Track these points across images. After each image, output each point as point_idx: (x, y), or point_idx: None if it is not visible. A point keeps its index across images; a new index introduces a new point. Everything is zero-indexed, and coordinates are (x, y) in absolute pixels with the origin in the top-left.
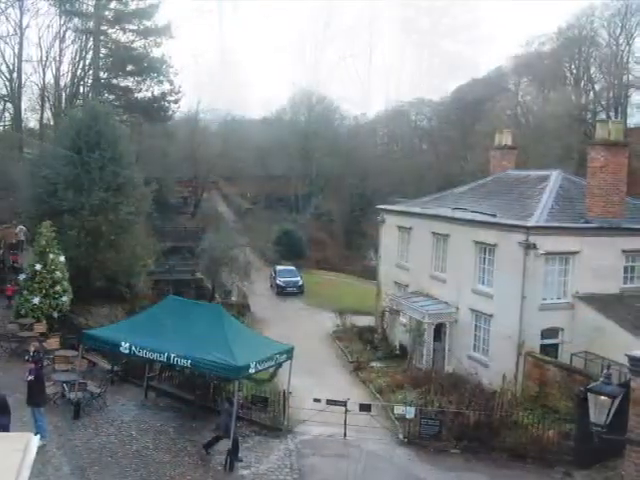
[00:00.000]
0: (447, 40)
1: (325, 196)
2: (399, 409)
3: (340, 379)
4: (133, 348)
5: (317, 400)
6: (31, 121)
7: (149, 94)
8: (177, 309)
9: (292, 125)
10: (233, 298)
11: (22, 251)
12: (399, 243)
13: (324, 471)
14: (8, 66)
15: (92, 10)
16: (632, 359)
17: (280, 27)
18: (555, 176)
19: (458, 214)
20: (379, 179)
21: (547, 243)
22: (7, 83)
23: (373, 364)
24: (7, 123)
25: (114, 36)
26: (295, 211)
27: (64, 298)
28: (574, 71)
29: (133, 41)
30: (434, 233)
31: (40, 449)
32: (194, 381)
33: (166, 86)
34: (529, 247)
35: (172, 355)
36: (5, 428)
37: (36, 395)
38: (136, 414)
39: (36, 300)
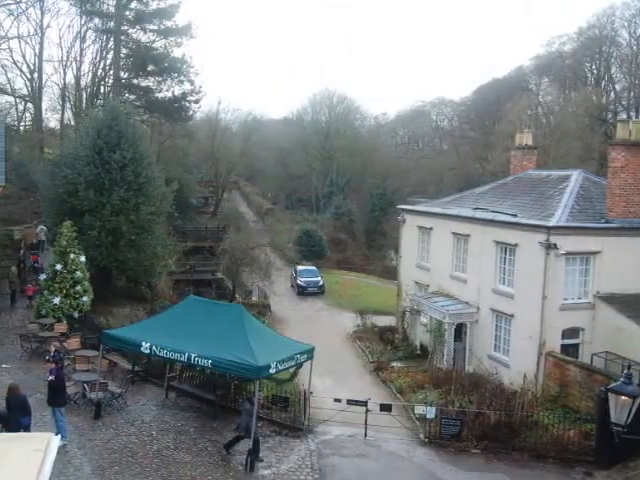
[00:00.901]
0: None
1: (346, 196)
2: (420, 409)
3: (361, 379)
4: (154, 348)
5: (338, 400)
6: (52, 121)
7: (170, 94)
8: (198, 309)
9: (313, 125)
10: (254, 298)
11: (43, 251)
12: (420, 243)
13: (345, 471)
14: (29, 66)
15: (113, 10)
16: None
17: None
18: (576, 176)
19: (479, 214)
20: (400, 179)
21: (568, 243)
22: (28, 83)
23: (394, 364)
24: (28, 123)
25: (135, 36)
26: (316, 211)
27: (85, 298)
28: (595, 71)
29: (154, 41)
30: (455, 233)
31: (61, 449)
32: (215, 381)
33: (187, 86)
34: (550, 247)
35: (193, 355)
36: (26, 428)
37: (57, 395)
38: (157, 414)
39: (57, 300)
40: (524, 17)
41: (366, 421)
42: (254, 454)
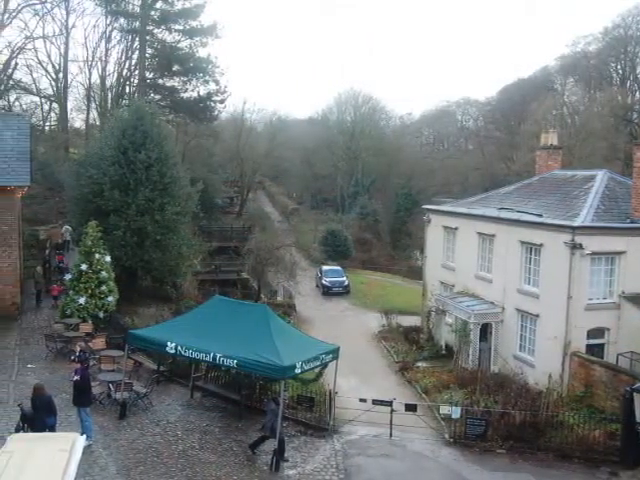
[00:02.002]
0: None
1: (371, 196)
2: (445, 409)
3: (386, 379)
4: (179, 348)
5: (363, 400)
6: (77, 121)
7: (195, 94)
8: (223, 309)
9: (338, 125)
10: (279, 298)
11: (68, 251)
12: (445, 243)
13: (370, 471)
14: (54, 66)
15: (138, 10)
16: None
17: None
18: (601, 176)
19: (504, 214)
20: (425, 179)
21: (593, 243)
22: (53, 83)
23: (419, 364)
24: (53, 123)
25: (160, 36)
26: (341, 211)
27: (110, 298)
28: (620, 71)
29: (179, 41)
30: (480, 233)
31: (86, 449)
32: (240, 381)
33: (212, 86)
34: (575, 247)
35: (218, 355)
36: (52, 428)
37: (82, 395)
38: (182, 414)
39: (82, 300)
40: (547, 17)
41: (391, 421)
42: (279, 454)
